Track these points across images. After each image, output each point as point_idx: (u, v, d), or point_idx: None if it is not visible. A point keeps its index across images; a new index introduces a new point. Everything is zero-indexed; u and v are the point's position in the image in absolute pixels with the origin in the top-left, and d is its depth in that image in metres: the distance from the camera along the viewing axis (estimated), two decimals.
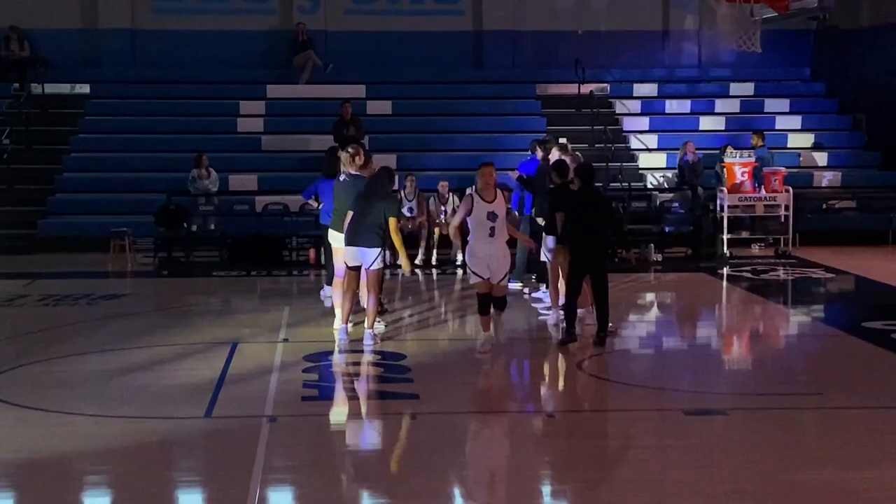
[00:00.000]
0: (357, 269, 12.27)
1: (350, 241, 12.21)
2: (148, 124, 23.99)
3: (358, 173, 12.77)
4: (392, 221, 12.07)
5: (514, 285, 15.93)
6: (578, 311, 12.51)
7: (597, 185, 12.84)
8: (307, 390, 10.44)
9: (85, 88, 24.97)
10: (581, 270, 12.23)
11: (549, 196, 13.28)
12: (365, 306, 12.55)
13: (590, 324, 12.70)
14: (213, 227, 20.81)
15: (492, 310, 11.95)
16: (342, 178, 12.87)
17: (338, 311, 12.93)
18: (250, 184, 22.14)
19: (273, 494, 7.65)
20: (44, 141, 23.27)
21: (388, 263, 17.58)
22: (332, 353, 12.10)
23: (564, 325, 12.31)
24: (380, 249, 12.16)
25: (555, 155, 14.43)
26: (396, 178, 20.76)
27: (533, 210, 15.08)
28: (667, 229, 20.85)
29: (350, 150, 13.09)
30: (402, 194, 19.52)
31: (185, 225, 20.30)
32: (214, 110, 24.26)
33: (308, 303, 15.49)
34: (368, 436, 9.42)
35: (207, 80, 25.02)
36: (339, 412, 10.14)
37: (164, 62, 25.50)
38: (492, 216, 11.66)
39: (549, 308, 13.92)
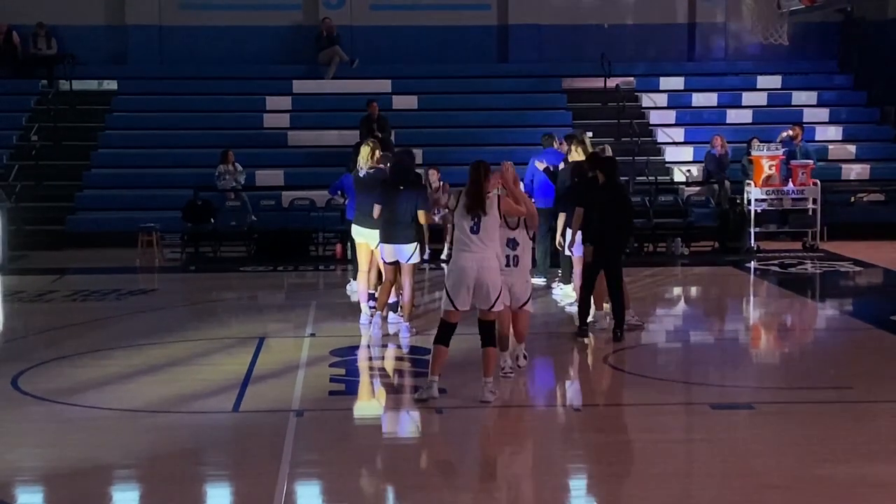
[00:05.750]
0: (395, 263, 12.22)
1: (386, 239, 12.14)
2: (175, 120, 24.08)
3: (378, 166, 12.80)
4: (421, 215, 12.02)
5: (539, 280, 15.95)
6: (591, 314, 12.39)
7: (622, 179, 12.67)
8: (334, 385, 10.45)
9: (112, 85, 25.03)
10: (598, 265, 12.09)
11: (574, 190, 13.20)
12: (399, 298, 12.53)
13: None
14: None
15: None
16: (362, 173, 12.86)
17: (364, 307, 12.94)
18: (277, 179, 22.19)
19: (300, 488, 7.67)
20: (72, 137, 23.35)
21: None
22: (358, 347, 12.12)
23: (577, 319, 12.23)
24: (416, 244, 12.11)
25: (574, 153, 14.36)
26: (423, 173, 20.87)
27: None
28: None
29: (370, 143, 13.12)
30: (428, 189, 19.49)
31: (212, 220, 20.36)
32: (241, 106, 24.28)
33: (335, 297, 15.52)
34: (395, 430, 9.43)
35: (234, 76, 25.08)
36: (365, 406, 10.16)
37: (191, 58, 25.58)
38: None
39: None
